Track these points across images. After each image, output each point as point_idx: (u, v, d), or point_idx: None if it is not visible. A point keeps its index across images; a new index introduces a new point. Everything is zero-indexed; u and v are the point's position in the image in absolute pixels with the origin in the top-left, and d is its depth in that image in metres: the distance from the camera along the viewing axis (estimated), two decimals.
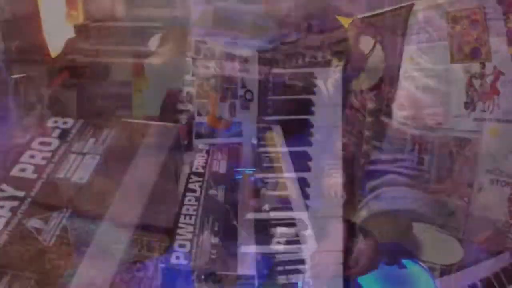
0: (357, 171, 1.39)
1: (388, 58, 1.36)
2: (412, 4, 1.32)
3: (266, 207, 1.28)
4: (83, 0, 1.55)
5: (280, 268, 1.19)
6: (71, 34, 1.53)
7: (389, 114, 1.38)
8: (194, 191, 1.22)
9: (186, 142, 1.40)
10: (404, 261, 1.31)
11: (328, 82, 1.38)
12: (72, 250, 1.04)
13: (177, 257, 1.07)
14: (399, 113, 1.36)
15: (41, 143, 1.22)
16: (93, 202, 1.14)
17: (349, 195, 1.33)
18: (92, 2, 1.55)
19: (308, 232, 1.27)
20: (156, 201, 1.17)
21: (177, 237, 1.10)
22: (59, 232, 1.06)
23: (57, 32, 1.49)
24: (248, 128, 1.46)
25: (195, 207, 1.18)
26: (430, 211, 1.33)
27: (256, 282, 1.11)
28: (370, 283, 1.28)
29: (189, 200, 1.19)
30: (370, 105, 1.39)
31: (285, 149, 1.39)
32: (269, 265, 1.18)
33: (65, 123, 1.28)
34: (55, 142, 1.23)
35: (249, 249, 1.16)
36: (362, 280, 1.27)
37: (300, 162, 1.37)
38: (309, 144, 1.39)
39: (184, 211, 1.16)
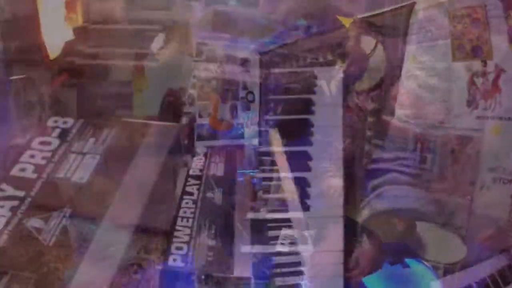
0: (359, 171, 1.38)
1: (390, 57, 1.35)
2: (413, 3, 1.32)
3: (264, 210, 1.28)
4: (82, 2, 1.55)
5: (277, 270, 1.19)
6: (70, 36, 1.53)
7: (391, 113, 1.37)
8: (191, 194, 1.22)
9: (186, 142, 1.40)
10: (407, 260, 1.30)
11: (329, 82, 1.38)
12: (72, 250, 1.04)
13: (174, 260, 1.07)
14: (401, 111, 1.35)
15: (41, 143, 1.22)
16: (93, 202, 1.14)
17: (350, 195, 1.33)
18: (91, 4, 1.55)
19: (308, 233, 1.27)
20: (154, 203, 1.18)
21: (174, 239, 1.10)
22: (59, 232, 1.06)
23: (56, 34, 1.49)
24: (249, 130, 1.46)
25: (192, 210, 1.18)
26: (432, 210, 1.32)
27: (252, 284, 1.11)
28: (374, 282, 1.27)
29: (187, 203, 1.20)
30: (371, 105, 1.39)
31: (285, 149, 1.39)
32: (266, 267, 1.18)
33: (65, 122, 1.27)
34: (55, 142, 1.23)
35: (246, 251, 1.16)
36: (366, 280, 1.27)
37: (301, 162, 1.36)
38: (310, 143, 1.38)
39: (181, 213, 1.17)
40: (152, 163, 1.24)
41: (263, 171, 1.35)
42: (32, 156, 1.18)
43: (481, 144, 1.28)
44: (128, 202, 1.16)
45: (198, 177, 1.27)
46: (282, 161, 1.38)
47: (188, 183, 1.25)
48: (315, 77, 1.40)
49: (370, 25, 1.35)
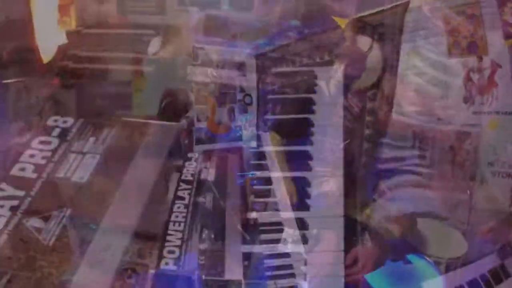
0: (359, 170, 1.39)
1: (386, 56, 1.37)
2: (408, 2, 1.33)
3: (261, 212, 1.28)
4: (76, 6, 1.56)
5: (274, 272, 1.19)
6: (63, 40, 1.53)
7: (389, 112, 1.38)
8: (183, 198, 1.22)
9: (186, 141, 1.40)
10: (409, 256, 1.30)
11: (329, 81, 1.39)
12: (68, 254, 1.03)
13: (167, 263, 1.06)
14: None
15: (41, 142, 1.21)
16: (93, 202, 1.14)
17: (350, 194, 1.33)
18: (85, 8, 1.56)
19: (307, 233, 1.27)
20: (152, 204, 1.17)
21: (166, 243, 1.10)
22: (59, 231, 1.05)
23: (49, 38, 1.50)
24: (247, 132, 1.47)
25: (184, 214, 1.18)
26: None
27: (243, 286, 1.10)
28: (377, 279, 1.27)
29: (178, 207, 1.19)
30: (369, 103, 1.40)
31: (286, 149, 1.40)
32: (261, 270, 1.18)
33: (65, 122, 1.27)
34: (55, 141, 1.22)
35: (237, 254, 1.16)
36: (369, 276, 1.26)
37: (301, 161, 1.37)
38: (310, 143, 1.39)
39: (173, 218, 1.16)
40: (152, 163, 1.24)
41: (262, 173, 1.36)
42: (32, 156, 1.18)
43: (479, 139, 1.29)
44: (128, 202, 1.16)
45: (189, 182, 1.27)
46: (280, 163, 1.39)
47: (180, 188, 1.25)
48: (315, 77, 1.41)
49: (366, 25, 1.36)
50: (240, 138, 1.46)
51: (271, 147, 1.41)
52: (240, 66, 1.46)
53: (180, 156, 1.35)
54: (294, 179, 1.37)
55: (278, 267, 1.20)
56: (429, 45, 1.31)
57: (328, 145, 1.36)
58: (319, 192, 1.33)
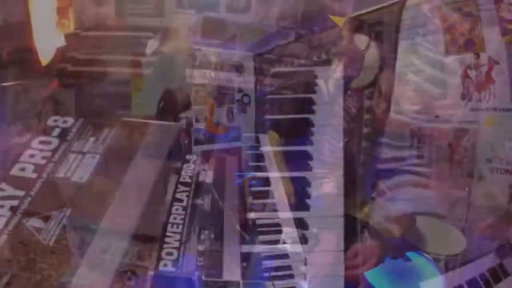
0: (357, 169, 1.39)
1: (384, 54, 1.37)
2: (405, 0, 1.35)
3: (259, 213, 1.28)
4: (75, 9, 1.56)
5: (267, 273, 1.18)
6: (62, 42, 1.54)
7: (387, 110, 1.39)
8: (181, 200, 1.22)
9: (186, 142, 1.40)
10: (408, 254, 1.30)
11: (329, 81, 1.39)
12: (68, 255, 1.03)
13: (165, 265, 1.05)
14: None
15: (41, 142, 1.20)
16: (93, 202, 1.13)
17: (350, 193, 1.34)
18: (83, 10, 1.56)
19: (307, 233, 1.28)
20: (151, 205, 1.17)
21: (165, 245, 1.09)
22: (59, 231, 1.05)
23: (48, 40, 1.50)
24: (246, 132, 1.47)
25: (182, 216, 1.17)
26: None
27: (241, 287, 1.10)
28: (377, 277, 1.27)
29: (177, 209, 1.19)
30: (367, 102, 1.40)
31: (286, 148, 1.40)
32: (256, 271, 1.18)
33: (65, 122, 1.27)
34: (55, 141, 1.21)
35: (235, 255, 1.16)
36: (369, 274, 1.27)
37: (301, 161, 1.37)
38: (310, 143, 1.39)
39: (171, 220, 1.16)
40: (152, 163, 1.24)
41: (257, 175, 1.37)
42: (32, 156, 1.17)
43: (477, 136, 1.30)
44: (128, 203, 1.16)
45: (187, 184, 1.27)
46: (279, 163, 1.40)
47: (178, 190, 1.25)
48: (315, 77, 1.42)
49: (363, 23, 1.37)
50: (238, 139, 1.47)
51: (270, 147, 1.42)
52: (238, 67, 1.47)
53: (180, 156, 1.35)
54: (293, 179, 1.37)
55: (277, 268, 1.20)
56: (427, 43, 1.32)
57: (328, 145, 1.37)
58: (319, 192, 1.33)
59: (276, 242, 1.23)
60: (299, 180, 1.35)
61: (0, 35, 1.41)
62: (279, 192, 1.33)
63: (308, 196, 1.33)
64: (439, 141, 1.33)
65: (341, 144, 1.35)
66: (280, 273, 1.19)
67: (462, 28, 1.27)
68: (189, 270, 1.07)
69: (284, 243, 1.23)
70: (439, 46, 1.31)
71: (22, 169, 1.14)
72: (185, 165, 1.33)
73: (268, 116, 1.44)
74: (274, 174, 1.36)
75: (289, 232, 1.25)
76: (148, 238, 1.10)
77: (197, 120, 1.46)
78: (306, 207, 1.31)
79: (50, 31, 1.52)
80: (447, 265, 1.27)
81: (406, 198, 1.35)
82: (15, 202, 1.07)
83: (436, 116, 1.33)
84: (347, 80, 1.38)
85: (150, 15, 1.54)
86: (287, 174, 1.37)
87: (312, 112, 1.41)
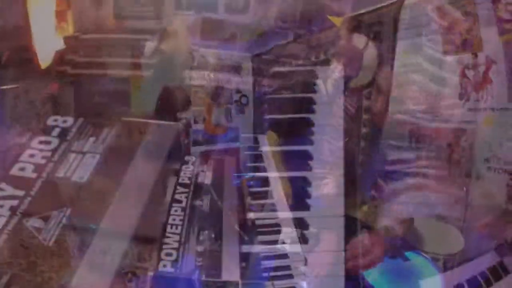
0: (357, 169, 1.39)
1: (382, 54, 1.38)
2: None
3: (257, 213, 1.29)
4: (73, 12, 1.56)
5: (266, 274, 1.18)
6: (61, 45, 1.54)
7: (385, 110, 1.39)
8: (180, 201, 1.23)
9: (186, 141, 1.41)
10: (407, 253, 1.31)
11: (329, 80, 1.40)
12: (68, 257, 1.03)
13: (164, 265, 1.07)
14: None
15: (41, 142, 1.21)
16: (93, 202, 1.13)
17: (349, 193, 1.34)
18: (82, 13, 1.56)
19: (307, 233, 1.28)
20: (151, 204, 1.18)
21: (164, 246, 1.10)
22: (59, 231, 1.05)
23: (47, 43, 1.50)
24: (245, 133, 1.48)
25: (181, 217, 1.18)
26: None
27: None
28: (375, 276, 1.27)
29: (176, 210, 1.20)
30: (365, 102, 1.41)
31: (286, 148, 1.40)
32: (256, 271, 1.18)
33: (64, 121, 1.27)
34: (55, 141, 1.22)
35: (234, 255, 1.16)
36: (368, 274, 1.27)
37: (301, 161, 1.37)
38: (310, 143, 1.40)
39: (170, 221, 1.16)
40: (152, 163, 1.25)
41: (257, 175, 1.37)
42: (31, 156, 1.17)
43: (475, 136, 1.30)
44: (128, 203, 1.16)
45: (186, 185, 1.28)
46: (277, 163, 1.40)
47: (177, 191, 1.25)
48: (316, 76, 1.43)
49: (361, 23, 1.38)
50: (237, 139, 1.47)
51: (268, 147, 1.42)
52: (236, 68, 1.47)
53: (180, 156, 1.36)
54: (292, 179, 1.37)
55: (276, 268, 1.20)
56: (424, 42, 1.32)
57: (328, 145, 1.37)
58: (319, 192, 1.33)
59: (275, 242, 1.23)
60: (297, 180, 1.35)
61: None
62: (278, 192, 1.33)
63: (308, 196, 1.33)
64: (438, 141, 1.34)
65: (341, 144, 1.35)
66: (279, 273, 1.19)
67: (460, 28, 1.28)
68: (188, 271, 1.08)
69: (283, 243, 1.24)
70: (437, 46, 1.31)
71: (22, 169, 1.15)
72: (184, 167, 1.34)
73: (268, 116, 1.44)
74: (274, 174, 1.36)
75: (288, 232, 1.26)
76: (148, 240, 1.11)
77: (195, 121, 1.46)
78: (306, 207, 1.31)
79: (49, 34, 1.52)
80: (446, 265, 1.27)
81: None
82: (15, 202, 1.07)
83: (435, 116, 1.33)
84: (345, 80, 1.39)
85: (149, 17, 1.54)
86: (288, 174, 1.37)
87: (313, 111, 1.41)
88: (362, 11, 1.37)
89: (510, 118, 1.27)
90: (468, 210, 1.30)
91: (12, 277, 0.97)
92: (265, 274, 1.17)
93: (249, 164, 1.41)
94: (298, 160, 1.37)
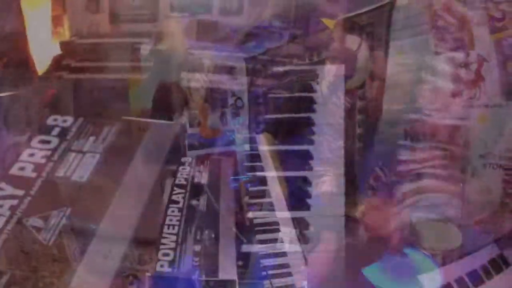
0: (355, 168, 1.40)
1: (375, 55, 1.40)
2: (395, 0, 1.37)
3: (256, 213, 1.29)
4: (69, 17, 1.57)
5: (264, 272, 1.18)
6: (57, 51, 1.54)
7: (379, 110, 1.41)
8: (177, 202, 1.24)
9: (186, 141, 1.41)
10: (405, 250, 1.31)
11: (328, 80, 1.41)
12: (72, 258, 1.03)
13: (162, 266, 1.07)
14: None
15: (41, 142, 1.21)
16: (93, 201, 1.14)
17: (349, 192, 1.35)
18: (77, 18, 1.57)
19: (308, 232, 1.28)
20: (151, 205, 1.18)
21: (161, 246, 1.11)
22: (59, 231, 1.05)
23: (44, 49, 1.51)
24: (240, 135, 1.48)
25: (178, 218, 1.19)
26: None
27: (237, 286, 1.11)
28: (375, 274, 1.27)
29: (172, 211, 1.21)
30: (360, 102, 1.42)
31: (286, 148, 1.42)
32: (254, 270, 1.18)
33: (64, 121, 1.28)
34: (55, 141, 1.22)
35: (231, 254, 1.17)
36: (367, 271, 1.27)
37: (302, 161, 1.38)
38: (311, 143, 1.41)
39: (167, 221, 1.18)
40: (152, 162, 1.25)
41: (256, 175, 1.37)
42: (31, 155, 1.18)
43: (469, 133, 1.32)
44: (128, 203, 1.16)
45: (183, 186, 1.29)
46: (275, 163, 1.41)
47: (174, 192, 1.26)
48: (316, 75, 1.44)
49: (354, 25, 1.40)
50: (233, 142, 1.48)
51: (266, 147, 1.43)
52: (231, 70, 1.48)
53: (180, 154, 1.36)
54: (289, 179, 1.38)
55: (275, 267, 1.20)
56: (417, 42, 1.35)
57: (328, 144, 1.39)
58: (319, 191, 1.34)
59: (274, 241, 1.24)
60: (295, 181, 1.36)
61: None
62: (276, 192, 1.34)
63: (309, 196, 1.34)
64: (433, 139, 1.35)
65: (341, 143, 1.37)
66: (278, 272, 1.19)
67: (451, 27, 1.31)
68: (186, 271, 1.08)
69: (282, 242, 1.24)
70: (430, 45, 1.33)
71: (22, 169, 1.15)
72: (180, 168, 1.35)
73: (267, 116, 1.45)
74: (273, 174, 1.37)
75: (287, 231, 1.26)
76: (148, 242, 1.11)
77: (191, 125, 1.47)
78: (306, 207, 1.32)
79: (46, 40, 1.53)
80: (444, 260, 1.28)
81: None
82: (14, 202, 1.07)
83: (429, 115, 1.35)
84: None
85: (144, 20, 1.55)
86: (288, 174, 1.38)
87: (313, 111, 1.43)
88: (355, 12, 1.40)
89: (504, 115, 1.29)
90: (465, 206, 1.31)
91: (12, 277, 0.96)
92: (264, 273, 1.18)
93: (246, 164, 1.42)
94: (298, 160, 1.38)
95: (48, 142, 1.22)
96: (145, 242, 1.11)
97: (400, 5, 1.35)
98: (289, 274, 1.19)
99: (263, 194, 1.34)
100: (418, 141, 1.37)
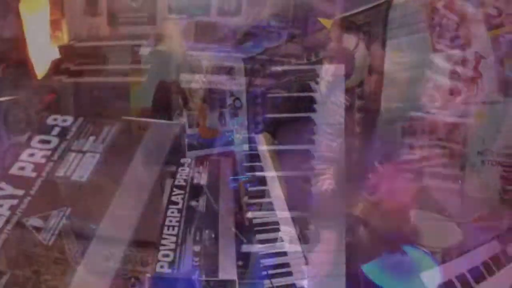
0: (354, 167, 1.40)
1: (373, 54, 1.40)
2: None
3: (255, 213, 1.29)
4: (67, 21, 1.57)
5: (264, 272, 1.18)
6: (56, 55, 1.54)
7: (377, 108, 1.41)
8: (176, 203, 1.24)
9: (186, 141, 1.41)
10: (405, 247, 1.31)
11: (331, 79, 1.42)
12: (73, 260, 1.03)
13: (162, 266, 1.08)
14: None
15: (41, 141, 1.22)
16: (93, 201, 1.14)
17: (348, 191, 1.35)
18: (76, 22, 1.58)
19: (308, 232, 1.28)
20: (151, 205, 1.18)
21: (161, 247, 1.12)
22: (59, 231, 1.05)
23: (42, 53, 1.51)
24: (239, 136, 1.48)
25: (177, 219, 1.20)
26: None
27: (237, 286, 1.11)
28: (374, 271, 1.27)
29: (172, 212, 1.21)
30: (358, 101, 1.43)
31: (287, 148, 1.42)
32: (254, 270, 1.18)
33: (64, 121, 1.28)
34: (55, 140, 1.22)
35: (231, 254, 1.17)
36: (366, 269, 1.27)
37: (301, 160, 1.38)
38: (311, 142, 1.41)
39: (167, 222, 1.18)
40: (152, 162, 1.25)
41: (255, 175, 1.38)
42: (31, 155, 1.18)
43: (467, 130, 1.32)
44: (128, 203, 1.16)
45: (182, 187, 1.29)
46: (274, 162, 1.41)
47: (173, 193, 1.27)
48: (317, 75, 1.45)
49: (351, 24, 1.41)
50: (232, 142, 1.48)
51: (265, 147, 1.43)
52: (229, 71, 1.49)
53: (181, 155, 1.36)
54: (288, 179, 1.38)
55: (275, 266, 1.20)
56: (414, 40, 1.35)
57: (328, 144, 1.39)
58: (319, 190, 1.34)
59: (274, 241, 1.24)
60: (296, 180, 1.37)
61: None
62: (276, 192, 1.34)
63: (309, 195, 1.34)
64: (431, 136, 1.36)
65: (341, 142, 1.37)
66: (278, 271, 1.19)
67: (448, 24, 1.31)
68: (186, 271, 1.08)
69: (282, 241, 1.24)
70: (427, 43, 1.34)
71: (22, 168, 1.15)
72: (180, 169, 1.35)
73: (267, 116, 1.45)
74: (272, 174, 1.38)
75: (287, 230, 1.26)
76: (149, 244, 1.12)
77: (190, 126, 1.47)
78: (306, 206, 1.32)
79: (44, 44, 1.53)
80: (444, 258, 1.28)
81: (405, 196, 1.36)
82: (14, 202, 1.08)
83: (427, 112, 1.36)
84: None
85: (143, 22, 1.56)
86: (288, 173, 1.38)
87: (313, 110, 1.43)
88: (352, 12, 1.40)
89: (501, 111, 1.29)
90: (463, 203, 1.32)
91: (12, 277, 0.96)
92: (264, 273, 1.18)
93: (246, 164, 1.42)
94: (298, 160, 1.38)
95: (48, 142, 1.22)
96: (145, 243, 1.11)
97: (397, 4, 1.36)
98: (289, 274, 1.19)
99: (262, 194, 1.34)
100: (416, 139, 1.38)
